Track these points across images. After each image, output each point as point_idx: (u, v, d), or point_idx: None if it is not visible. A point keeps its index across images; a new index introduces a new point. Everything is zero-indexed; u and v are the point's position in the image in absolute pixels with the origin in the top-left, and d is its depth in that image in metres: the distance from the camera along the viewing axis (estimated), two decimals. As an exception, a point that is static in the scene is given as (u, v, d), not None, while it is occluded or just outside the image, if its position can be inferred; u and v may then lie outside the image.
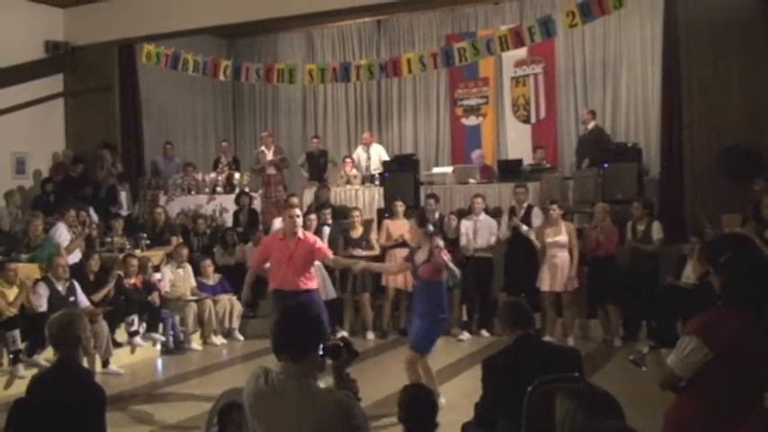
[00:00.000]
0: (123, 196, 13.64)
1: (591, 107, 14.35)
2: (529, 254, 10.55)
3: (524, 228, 10.59)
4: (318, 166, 14.27)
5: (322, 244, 8.11)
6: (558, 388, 3.46)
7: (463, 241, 10.77)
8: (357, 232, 11.12)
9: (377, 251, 11.17)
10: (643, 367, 3.62)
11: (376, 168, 13.84)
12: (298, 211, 8.01)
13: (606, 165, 11.70)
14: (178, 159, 14.83)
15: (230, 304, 11.18)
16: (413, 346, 7.11)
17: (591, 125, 13.06)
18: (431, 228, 7.27)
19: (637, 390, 5.95)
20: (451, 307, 10.96)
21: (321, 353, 3.33)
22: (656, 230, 10.20)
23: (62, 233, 10.73)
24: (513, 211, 10.92)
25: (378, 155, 14.22)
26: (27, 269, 9.71)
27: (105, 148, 13.91)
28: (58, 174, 13.77)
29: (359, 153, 14.60)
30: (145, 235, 11.94)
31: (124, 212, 13.36)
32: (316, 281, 7.97)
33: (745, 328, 3.32)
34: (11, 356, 8.67)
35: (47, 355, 8.47)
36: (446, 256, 7.07)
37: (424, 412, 3.99)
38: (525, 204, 10.90)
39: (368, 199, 13.34)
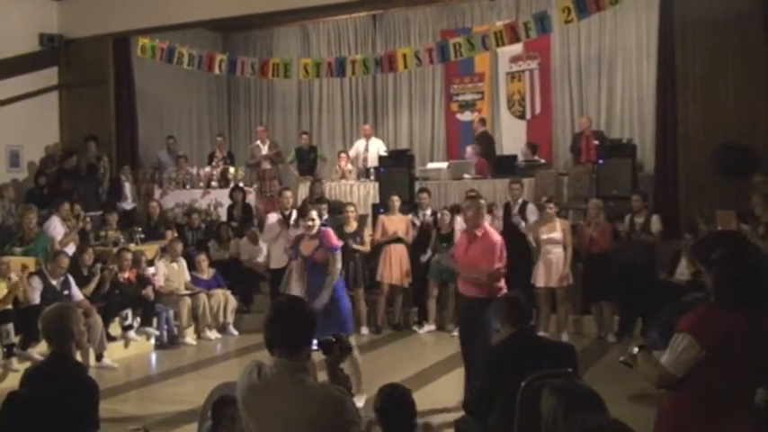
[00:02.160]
0: (128, 188, 13.58)
1: (586, 103, 14.41)
2: (523, 250, 10.55)
3: (522, 224, 10.60)
4: (308, 162, 14.24)
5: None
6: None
7: (458, 237, 10.75)
8: (351, 227, 11.10)
9: (368, 248, 11.15)
10: (634, 367, 3.63)
11: (374, 162, 13.79)
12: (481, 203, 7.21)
13: (601, 161, 11.72)
14: (181, 152, 14.79)
15: (224, 299, 11.17)
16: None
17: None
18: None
19: (630, 385, 5.98)
20: (446, 302, 11.03)
21: (314, 348, 3.34)
22: (656, 223, 10.22)
23: (56, 227, 10.72)
24: (507, 207, 10.92)
25: (376, 149, 14.19)
26: (21, 262, 9.68)
27: (90, 140, 13.86)
28: (48, 167, 13.74)
29: (358, 145, 14.56)
30: (139, 229, 11.91)
31: (129, 205, 13.33)
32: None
33: (737, 324, 3.33)
34: (4, 350, 8.66)
35: (41, 349, 8.46)
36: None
37: (401, 413, 3.87)
38: (520, 200, 10.91)
39: (362, 194, 13.33)
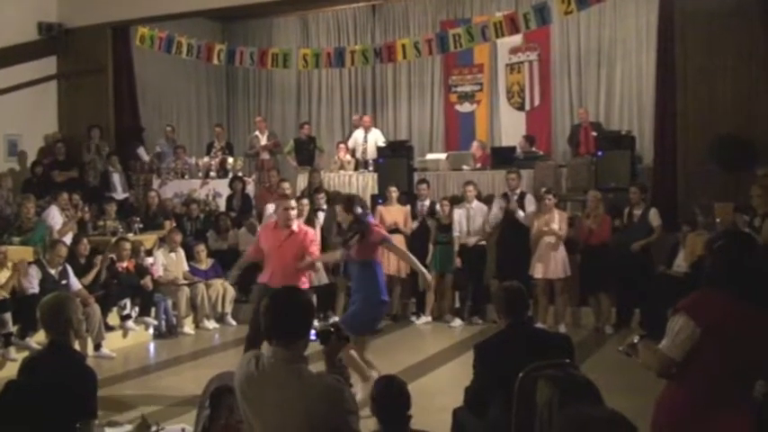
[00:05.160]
0: (117, 179, 13.58)
1: (585, 94, 14.41)
2: (520, 241, 10.57)
3: (520, 214, 10.59)
4: (308, 153, 14.22)
5: (314, 242, 7.67)
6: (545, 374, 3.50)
7: (456, 230, 10.78)
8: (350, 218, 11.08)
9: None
10: (633, 357, 3.64)
11: (373, 153, 13.77)
12: (293, 203, 7.68)
13: (600, 153, 11.72)
14: (179, 141, 14.76)
15: (223, 289, 11.18)
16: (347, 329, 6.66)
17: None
18: (359, 209, 7.19)
19: (627, 377, 6.00)
20: (444, 293, 11.04)
21: (313, 338, 3.34)
22: (654, 217, 10.21)
23: (54, 216, 10.72)
24: (506, 197, 10.91)
25: (374, 140, 14.17)
26: (19, 252, 9.68)
27: (94, 128, 13.87)
28: (46, 157, 13.73)
29: (357, 136, 14.53)
30: (138, 219, 11.91)
31: (119, 196, 13.31)
32: (304, 279, 7.50)
33: (730, 307, 3.37)
34: (2, 339, 8.66)
35: (39, 338, 8.47)
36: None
37: (397, 404, 3.88)
38: (518, 191, 10.89)
39: (361, 185, 13.33)
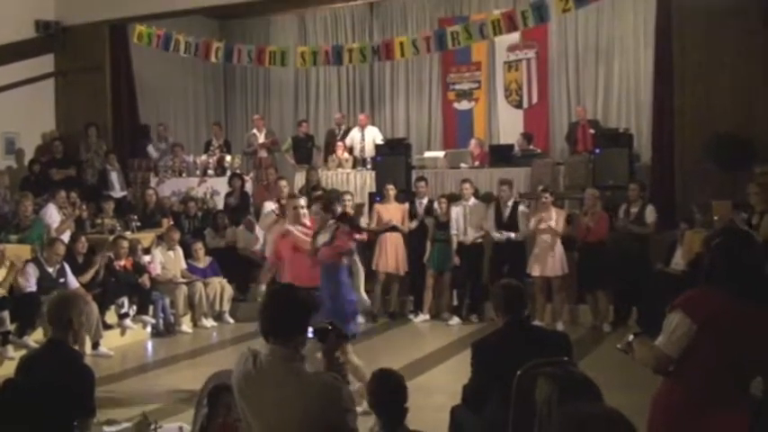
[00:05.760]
0: (114, 177, 13.56)
1: (583, 92, 14.41)
2: (517, 242, 10.57)
3: (512, 236, 10.55)
4: (305, 150, 14.21)
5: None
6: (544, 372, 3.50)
7: (454, 228, 10.77)
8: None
9: (364, 237, 11.14)
10: (630, 355, 3.64)
11: (370, 151, 13.75)
12: (302, 201, 7.64)
13: (598, 150, 11.72)
14: (172, 139, 14.74)
15: (221, 287, 11.18)
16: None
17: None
18: (338, 209, 7.10)
19: (625, 374, 5.99)
20: (442, 291, 11.04)
21: (310, 335, 3.34)
22: (650, 213, 10.23)
23: (52, 214, 10.71)
24: (498, 206, 10.82)
25: (372, 138, 14.14)
26: (16, 250, 9.67)
27: (91, 126, 13.86)
28: (44, 155, 13.72)
29: (353, 135, 14.52)
30: (135, 217, 11.90)
31: (116, 194, 13.29)
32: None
33: (728, 305, 3.37)
34: (0, 337, 8.65)
35: (36, 337, 8.47)
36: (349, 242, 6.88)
37: (394, 398, 3.89)
38: (510, 202, 10.73)
39: (359, 183, 13.32)
